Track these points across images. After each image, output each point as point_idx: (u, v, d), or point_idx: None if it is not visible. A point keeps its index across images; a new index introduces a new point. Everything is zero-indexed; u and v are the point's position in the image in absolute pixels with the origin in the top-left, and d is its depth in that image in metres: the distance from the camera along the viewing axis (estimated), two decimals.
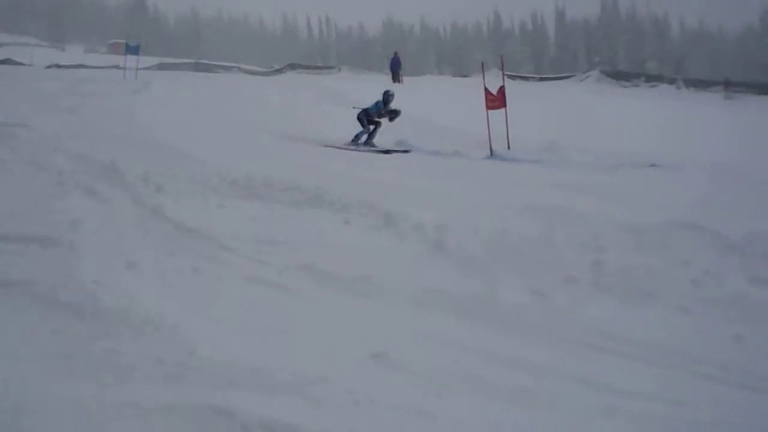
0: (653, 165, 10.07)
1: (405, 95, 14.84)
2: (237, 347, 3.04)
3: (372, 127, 11.84)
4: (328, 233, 5.45)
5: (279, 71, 43.47)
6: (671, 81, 34.17)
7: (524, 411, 2.67)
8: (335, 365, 2.93)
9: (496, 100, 11.02)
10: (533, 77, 39.30)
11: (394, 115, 11.95)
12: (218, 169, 7.42)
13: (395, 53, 28.64)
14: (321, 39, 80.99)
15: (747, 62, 53.84)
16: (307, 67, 45.41)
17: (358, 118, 11.84)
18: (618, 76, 36.38)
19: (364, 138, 11.75)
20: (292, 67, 44.72)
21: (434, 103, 16.27)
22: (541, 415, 2.64)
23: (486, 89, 11.18)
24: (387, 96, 11.93)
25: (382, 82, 26.92)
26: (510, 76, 33.54)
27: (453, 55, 67.85)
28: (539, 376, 3.05)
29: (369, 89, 15.92)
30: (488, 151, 10.95)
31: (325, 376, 2.73)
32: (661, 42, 61.14)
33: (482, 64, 12.47)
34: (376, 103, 11.84)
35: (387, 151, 11.46)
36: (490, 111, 11.08)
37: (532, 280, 4.50)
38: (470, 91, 12.37)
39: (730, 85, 29.69)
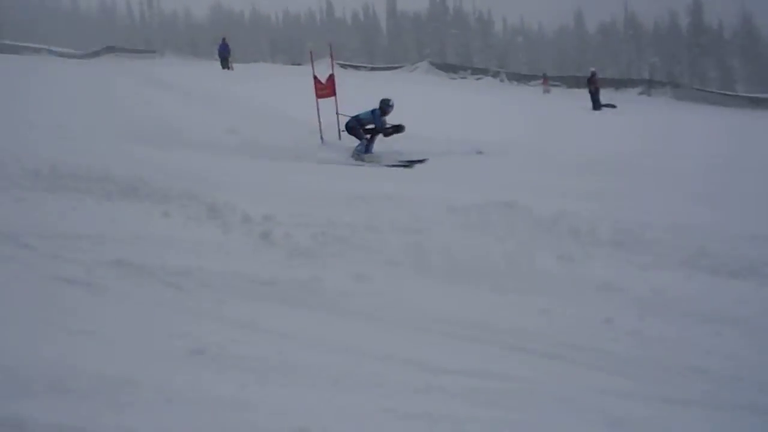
0: (479, 152, 10.73)
1: (235, 83, 14.40)
2: (35, 352, 2.76)
3: (368, 135, 10.52)
4: (144, 226, 5.14)
5: (96, 54, 40.04)
6: (495, 74, 36.93)
7: (346, 394, 2.70)
8: (147, 364, 2.77)
9: (326, 89, 11.07)
10: (365, 67, 40.29)
11: (394, 131, 10.47)
12: (18, 158, 6.62)
13: (223, 39, 27.61)
14: (143, 22, 75.49)
15: (563, 59, 59.52)
16: (129, 51, 42.27)
17: (348, 127, 10.57)
18: (446, 68, 38.57)
19: (363, 149, 10.44)
20: (111, 50, 41.48)
21: (268, 91, 15.99)
22: (362, 397, 2.68)
23: (315, 78, 11.19)
24: (385, 106, 10.35)
25: (209, 68, 25.95)
26: (342, 65, 34.33)
27: (286, 43, 67.06)
28: (362, 358, 3.12)
29: (193, 75, 15.19)
30: (320, 140, 11.01)
31: (133, 377, 2.56)
32: (486, 37, 65.64)
33: (311, 53, 12.46)
34: (372, 111, 10.38)
35: (409, 163, 10.05)
36: (320, 99, 11.09)
37: (357, 265, 4.60)
38: (304, 79, 12.20)
39: (548, 79, 32.72)
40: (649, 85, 32.77)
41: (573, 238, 5.43)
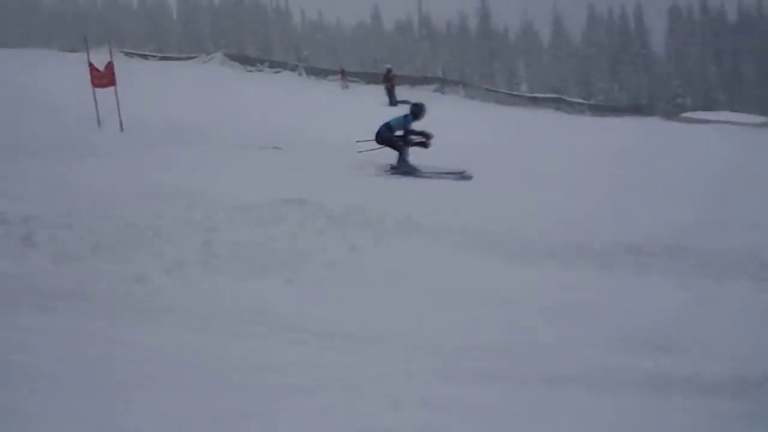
0: (276, 147, 10.68)
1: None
2: None
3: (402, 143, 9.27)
4: None
5: None
6: (294, 68, 36.83)
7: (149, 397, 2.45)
8: None
9: (104, 78, 10.11)
10: (154, 56, 37.67)
11: (425, 139, 9.35)
12: None
13: None
14: None
15: (362, 55, 61.33)
16: None
17: (385, 140, 9.23)
18: (243, 60, 37.47)
19: (407, 159, 9.20)
20: None
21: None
22: (148, 399, 2.43)
23: (91, 65, 10.18)
24: (417, 109, 9.42)
25: None
26: (126, 54, 31.68)
27: (61, 27, 59.96)
28: (159, 363, 2.89)
29: None
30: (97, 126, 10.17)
31: None
32: (285, 30, 65.32)
33: (85, 38, 11.36)
34: (405, 117, 9.38)
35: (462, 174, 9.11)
36: (98, 89, 10.13)
37: (136, 266, 4.27)
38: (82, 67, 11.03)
39: (346, 75, 33.47)
40: (443, 83, 34.90)
41: (363, 229, 5.61)
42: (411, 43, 61.97)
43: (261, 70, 35.23)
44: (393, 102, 22.89)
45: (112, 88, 10.14)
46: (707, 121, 26.90)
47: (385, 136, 9.20)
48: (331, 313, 3.89)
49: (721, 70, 54.65)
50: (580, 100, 37.49)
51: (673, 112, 38.60)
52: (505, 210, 6.98)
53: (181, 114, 11.84)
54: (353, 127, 11.81)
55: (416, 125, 9.38)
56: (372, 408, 2.45)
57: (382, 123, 9.34)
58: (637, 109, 36.32)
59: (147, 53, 38.55)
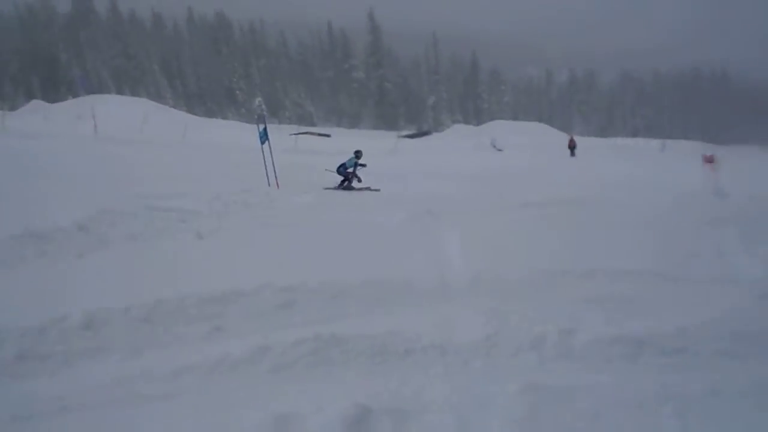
0: None
1: None
2: None
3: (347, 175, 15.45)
4: None
5: None
6: None
7: None
8: None
9: None
10: None
11: (361, 167, 15.63)
12: None
13: None
14: None
15: None
16: None
17: (340, 173, 15.53)
18: None
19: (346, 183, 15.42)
20: None
21: None
22: None
23: None
24: (358, 154, 15.62)
25: None
26: None
27: None
28: None
29: None
30: None
31: None
32: None
33: None
34: (351, 159, 15.54)
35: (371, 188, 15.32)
36: None
37: None
38: None
39: None
40: None
41: None
42: None
43: None
44: None
45: None
46: None
47: (340, 171, 15.51)
48: None
49: None
50: None
51: None
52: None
53: None
54: None
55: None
56: None
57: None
58: None
59: None
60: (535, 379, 3.67)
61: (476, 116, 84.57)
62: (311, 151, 26.34)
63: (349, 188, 15.22)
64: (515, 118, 78.29)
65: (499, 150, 31.54)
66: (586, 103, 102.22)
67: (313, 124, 73.19)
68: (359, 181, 15.42)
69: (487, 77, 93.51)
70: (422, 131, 65.06)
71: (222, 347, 4.15)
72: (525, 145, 36.07)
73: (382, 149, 28.51)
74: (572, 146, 30.80)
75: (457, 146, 34.71)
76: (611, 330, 4.63)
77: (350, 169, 15.38)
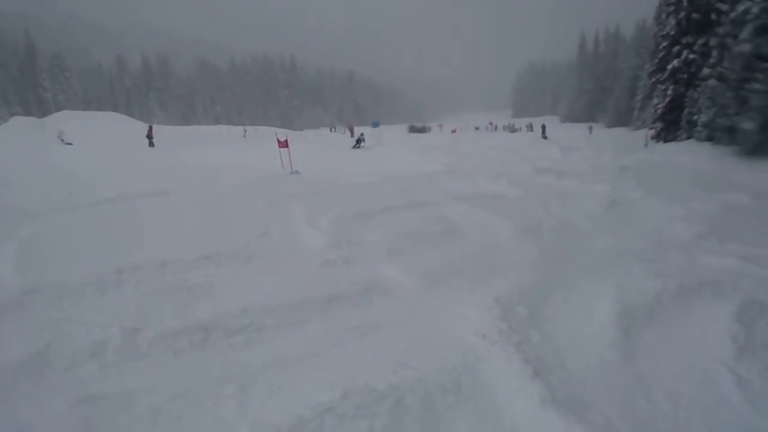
0: None
1: None
2: None
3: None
4: None
5: None
6: None
7: None
8: None
9: None
10: None
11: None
12: None
13: None
14: None
15: None
16: None
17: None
18: None
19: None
20: None
21: None
22: None
23: None
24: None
25: None
26: None
27: None
28: None
29: None
30: None
31: None
32: None
33: None
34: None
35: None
36: None
37: None
38: None
39: None
40: None
41: None
42: None
43: None
44: None
45: None
46: None
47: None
48: None
49: None
50: None
51: None
52: None
53: None
54: None
55: None
56: None
57: None
58: None
59: None
60: (91, 390, 3.39)
61: (40, 107, 74.24)
62: None
63: None
64: (87, 108, 71.87)
65: (68, 144, 28.47)
66: (164, 91, 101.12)
67: None
68: None
69: (47, 63, 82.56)
70: None
71: None
72: (99, 136, 33.60)
73: None
74: (150, 136, 30.07)
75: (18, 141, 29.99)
76: (178, 322, 4.63)
77: None
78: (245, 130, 52.57)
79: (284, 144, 17.15)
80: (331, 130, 72.67)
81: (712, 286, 5.35)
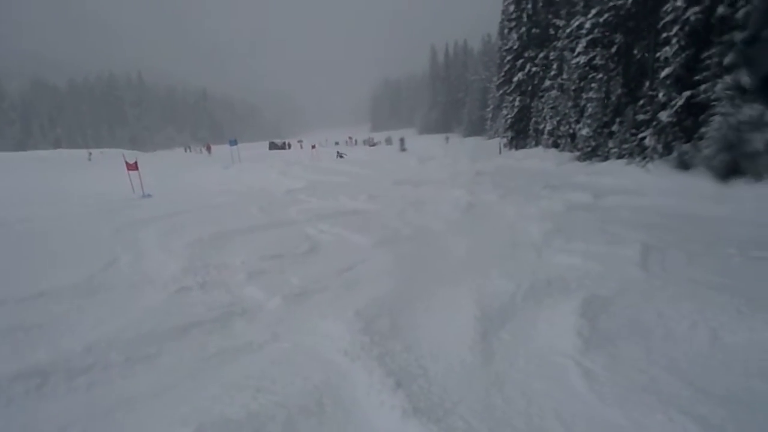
0: None
1: None
2: None
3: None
4: None
5: None
6: None
7: None
8: None
9: None
10: None
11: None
12: None
13: None
14: None
15: None
16: None
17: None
18: None
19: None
20: None
21: None
22: None
23: None
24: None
25: None
26: None
27: None
28: None
29: None
30: None
31: None
32: None
33: None
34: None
35: None
36: None
37: None
38: None
39: None
40: None
41: None
42: None
43: None
44: None
45: None
46: None
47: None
48: None
49: None
50: None
51: None
52: None
53: None
54: None
55: None
56: None
57: None
58: None
59: None
60: None
61: None
62: None
63: None
64: None
65: None
66: None
67: None
68: None
69: None
70: None
71: None
72: None
73: None
74: None
75: None
76: (12, 366, 4.16)
77: None
78: (90, 153, 49.30)
79: (134, 167, 16.26)
80: (186, 150, 70.19)
81: (559, 284, 5.77)
